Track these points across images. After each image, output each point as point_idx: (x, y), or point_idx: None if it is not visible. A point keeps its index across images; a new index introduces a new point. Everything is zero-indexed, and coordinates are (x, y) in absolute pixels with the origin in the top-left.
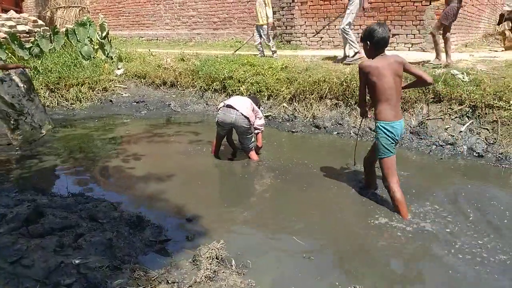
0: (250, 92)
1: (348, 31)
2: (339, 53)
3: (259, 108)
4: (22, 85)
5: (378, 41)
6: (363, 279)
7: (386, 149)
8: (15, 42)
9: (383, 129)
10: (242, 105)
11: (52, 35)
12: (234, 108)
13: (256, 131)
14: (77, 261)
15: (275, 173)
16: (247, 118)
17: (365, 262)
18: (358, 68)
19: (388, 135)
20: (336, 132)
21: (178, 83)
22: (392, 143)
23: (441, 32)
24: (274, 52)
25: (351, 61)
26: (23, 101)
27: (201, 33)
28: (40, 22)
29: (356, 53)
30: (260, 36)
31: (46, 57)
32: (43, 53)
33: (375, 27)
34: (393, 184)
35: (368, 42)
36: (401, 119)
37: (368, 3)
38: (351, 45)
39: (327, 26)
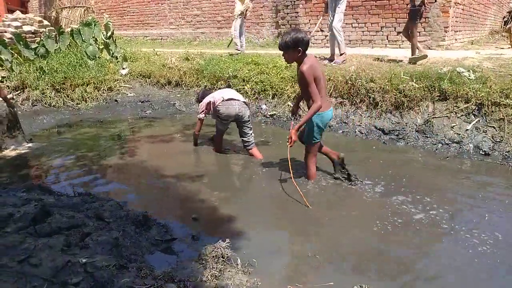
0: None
1: (340, 31)
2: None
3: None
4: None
5: (306, 45)
6: (369, 277)
7: (318, 136)
8: (21, 42)
9: (321, 118)
10: (237, 94)
11: (57, 35)
12: (234, 99)
13: None
14: (84, 260)
15: (281, 172)
16: (247, 104)
17: (371, 261)
18: (306, 70)
19: (322, 123)
20: (341, 131)
21: (183, 82)
22: (323, 130)
23: (412, 32)
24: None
25: (340, 62)
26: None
27: (206, 32)
28: (45, 22)
29: (342, 54)
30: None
31: (52, 57)
32: (48, 53)
33: (301, 34)
34: (312, 164)
35: (301, 48)
36: (331, 107)
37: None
38: (340, 44)
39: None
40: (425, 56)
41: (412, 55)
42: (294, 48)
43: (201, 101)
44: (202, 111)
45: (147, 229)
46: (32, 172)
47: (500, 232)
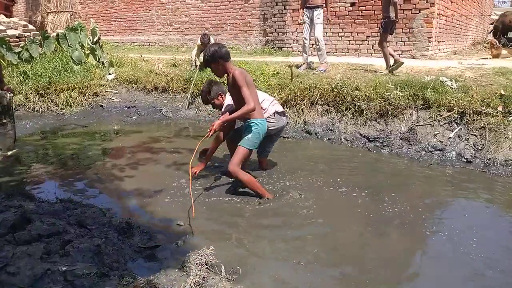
0: None
1: (323, 40)
2: (329, 59)
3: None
4: None
5: (225, 55)
6: (353, 283)
7: (256, 143)
8: (4, 46)
9: (262, 125)
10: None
11: (42, 40)
12: (285, 115)
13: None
14: (64, 268)
15: (267, 179)
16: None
17: (355, 267)
18: (238, 74)
19: (262, 131)
20: (327, 138)
21: (170, 88)
22: (260, 141)
23: (382, 43)
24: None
25: (324, 70)
26: None
27: (193, 39)
28: (30, 26)
29: (324, 63)
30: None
31: (36, 62)
32: (33, 58)
33: (217, 46)
34: (239, 170)
35: (219, 60)
36: (265, 119)
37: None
38: (322, 54)
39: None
40: (401, 63)
41: (386, 65)
42: (215, 61)
43: (214, 100)
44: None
45: (130, 236)
46: (13, 178)
47: (481, 236)
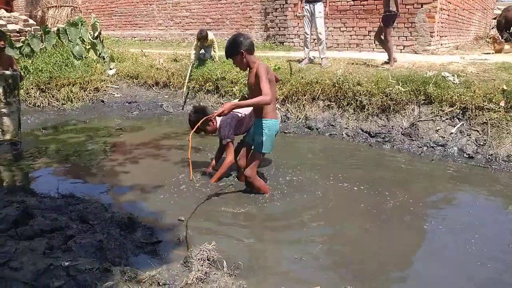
0: (242, 94)
1: (324, 34)
2: (331, 54)
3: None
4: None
5: (250, 47)
6: (355, 279)
7: (269, 145)
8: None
9: (273, 126)
10: None
11: (43, 35)
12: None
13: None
14: (66, 263)
15: (268, 175)
16: None
17: (356, 262)
18: (262, 67)
19: (270, 130)
20: (328, 133)
21: (171, 83)
22: (272, 140)
23: (386, 37)
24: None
25: (328, 64)
26: None
27: (194, 33)
28: (31, 21)
29: (324, 57)
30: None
31: (37, 57)
32: (34, 52)
33: (241, 37)
34: (257, 178)
35: (243, 52)
36: (278, 119)
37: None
38: (323, 47)
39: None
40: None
41: (388, 59)
42: (237, 53)
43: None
44: (230, 133)
45: (132, 231)
46: (15, 173)
47: (482, 232)
